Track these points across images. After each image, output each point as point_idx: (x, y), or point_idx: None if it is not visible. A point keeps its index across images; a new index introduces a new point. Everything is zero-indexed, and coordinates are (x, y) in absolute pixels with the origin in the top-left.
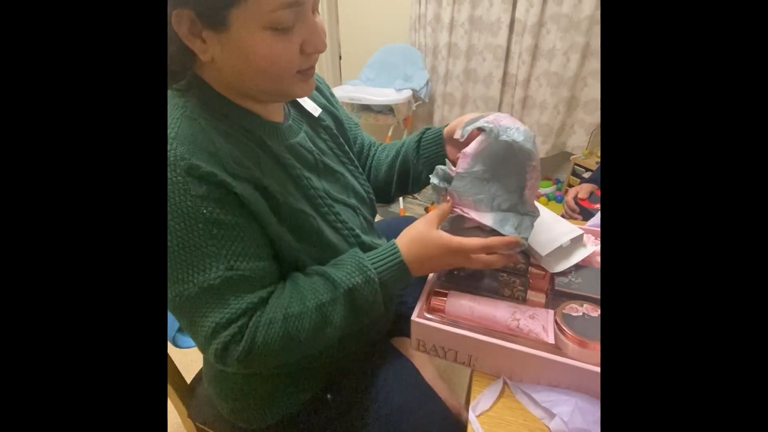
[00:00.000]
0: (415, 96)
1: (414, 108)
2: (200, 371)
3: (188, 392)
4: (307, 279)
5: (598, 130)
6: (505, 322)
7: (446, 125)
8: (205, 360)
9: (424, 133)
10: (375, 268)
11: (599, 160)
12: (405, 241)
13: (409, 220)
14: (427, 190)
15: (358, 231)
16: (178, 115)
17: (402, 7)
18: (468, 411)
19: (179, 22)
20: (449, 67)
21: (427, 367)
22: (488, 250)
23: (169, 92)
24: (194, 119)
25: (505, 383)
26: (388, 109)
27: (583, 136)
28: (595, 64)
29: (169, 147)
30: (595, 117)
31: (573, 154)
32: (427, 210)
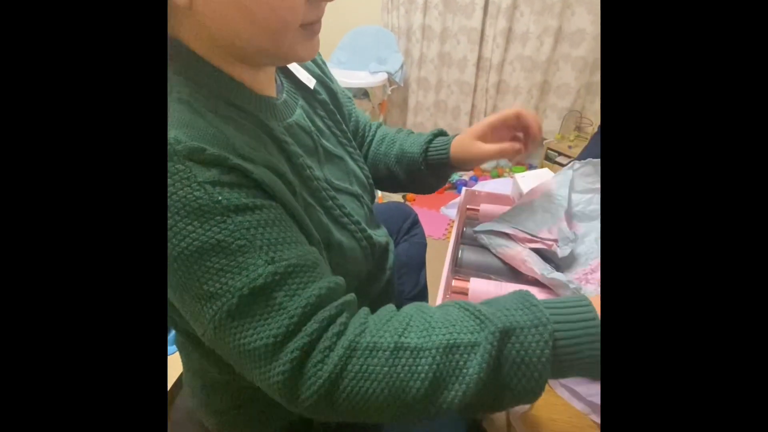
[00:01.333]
0: (390, 80)
1: (389, 92)
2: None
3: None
4: (438, 308)
5: (570, 115)
6: None
7: (456, 135)
8: (187, 365)
9: (427, 149)
10: (550, 313)
11: (571, 144)
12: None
13: (392, 207)
14: None
15: (363, 224)
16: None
17: None
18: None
19: None
20: (423, 51)
21: None
22: None
23: None
24: (185, 102)
25: None
26: (362, 93)
27: (555, 121)
28: (567, 48)
29: None
30: (566, 101)
31: (546, 139)
32: (404, 197)
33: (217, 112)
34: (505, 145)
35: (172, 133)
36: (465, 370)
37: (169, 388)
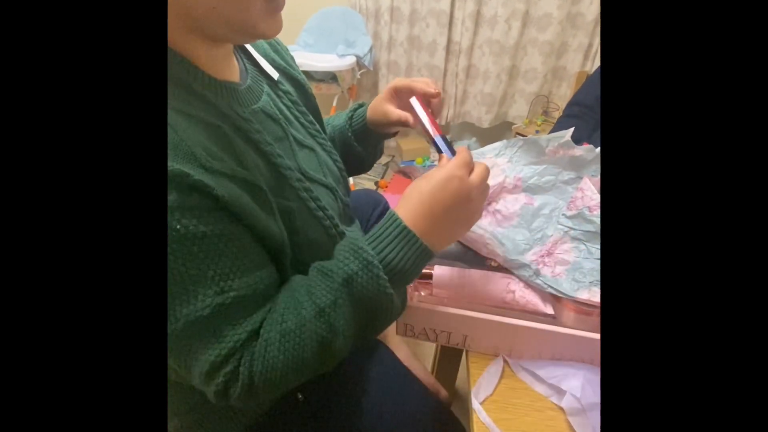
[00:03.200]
0: (359, 63)
1: (358, 76)
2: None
3: None
4: (302, 280)
5: (538, 100)
6: (500, 295)
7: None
8: None
9: (352, 116)
10: (372, 248)
11: (539, 128)
12: (402, 202)
13: (362, 194)
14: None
15: (337, 220)
16: None
17: None
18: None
19: None
20: (392, 34)
21: (401, 347)
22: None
23: None
24: None
25: (505, 362)
26: (330, 77)
27: (523, 106)
28: (534, 32)
29: None
30: (534, 86)
31: (514, 124)
32: (377, 184)
33: (179, 110)
34: (406, 113)
35: None
36: (337, 323)
37: None
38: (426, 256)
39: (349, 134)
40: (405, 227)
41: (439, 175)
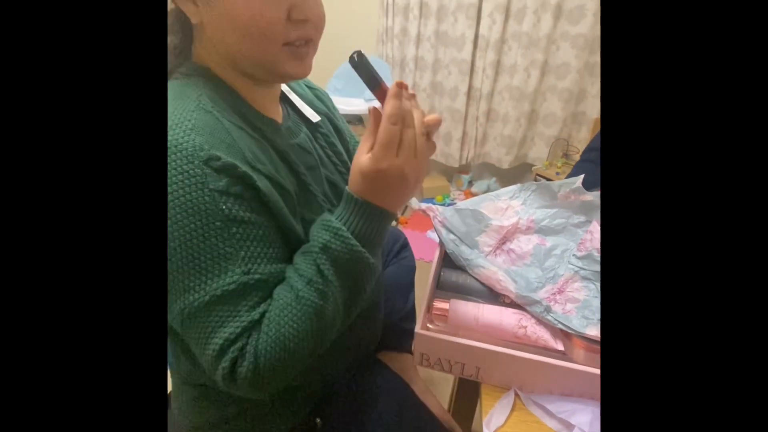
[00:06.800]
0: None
1: None
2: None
3: None
4: (289, 266)
5: (558, 143)
6: (512, 330)
7: None
8: (176, 384)
9: None
10: (337, 218)
11: (559, 170)
12: (351, 180)
13: None
14: None
15: None
16: (193, 107)
17: (369, 20)
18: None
19: None
20: (416, 80)
21: (416, 381)
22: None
23: (176, 82)
24: (208, 111)
25: (516, 395)
26: (357, 119)
27: (543, 148)
28: (553, 80)
29: (186, 138)
30: (553, 130)
31: (534, 165)
32: (397, 221)
33: (235, 123)
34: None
35: (197, 140)
36: (326, 289)
37: None
38: (385, 217)
39: None
40: (358, 200)
41: (368, 169)
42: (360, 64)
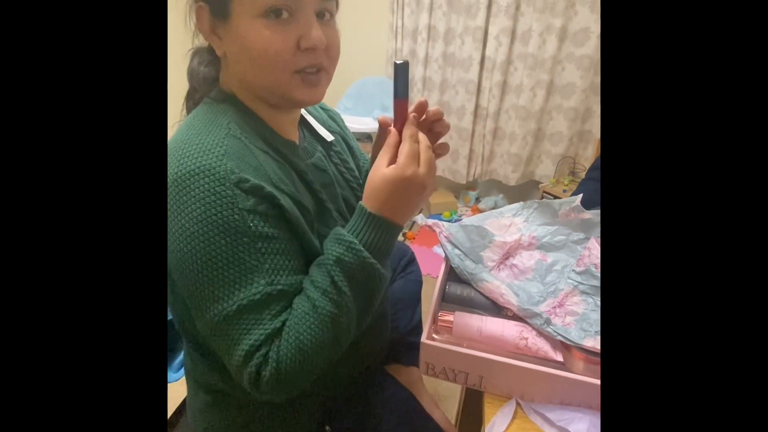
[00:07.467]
0: None
1: None
2: (183, 403)
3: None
4: (306, 277)
5: (564, 161)
6: (513, 341)
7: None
8: (191, 390)
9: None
10: (350, 231)
11: (566, 188)
12: (366, 195)
13: None
14: None
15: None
16: (224, 134)
17: (379, 41)
18: None
19: (200, 18)
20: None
21: (423, 394)
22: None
23: (207, 106)
24: (238, 138)
25: (517, 404)
26: (366, 137)
27: (550, 166)
28: (558, 99)
29: (219, 163)
30: (560, 148)
31: (541, 183)
32: (405, 235)
33: (260, 148)
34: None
35: (228, 164)
36: (340, 300)
37: (171, 411)
38: (395, 229)
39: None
40: (371, 214)
41: (393, 178)
42: (402, 70)
